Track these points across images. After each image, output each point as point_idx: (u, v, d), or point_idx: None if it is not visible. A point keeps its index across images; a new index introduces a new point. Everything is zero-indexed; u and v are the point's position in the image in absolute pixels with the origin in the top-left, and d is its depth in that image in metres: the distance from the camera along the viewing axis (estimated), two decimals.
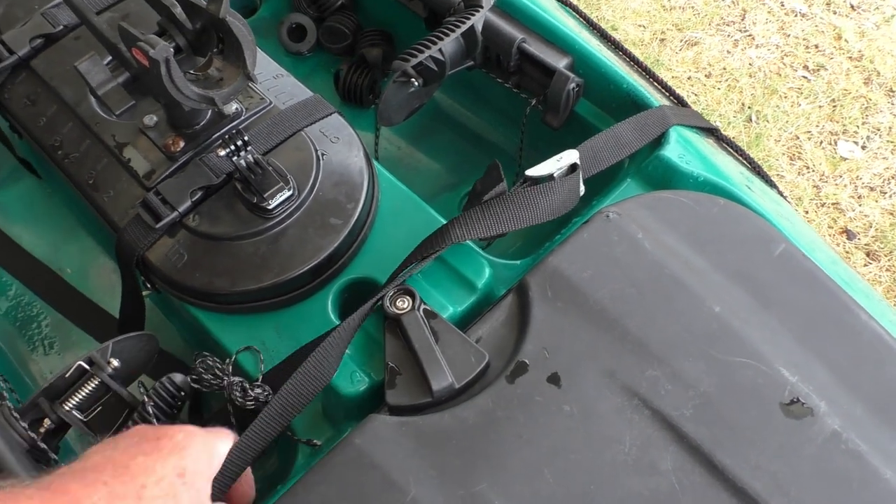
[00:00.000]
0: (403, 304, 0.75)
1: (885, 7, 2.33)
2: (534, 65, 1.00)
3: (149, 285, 0.88)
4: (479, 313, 0.78)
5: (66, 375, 0.73)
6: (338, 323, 0.78)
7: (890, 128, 2.10)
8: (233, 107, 0.88)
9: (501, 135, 1.18)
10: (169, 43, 0.77)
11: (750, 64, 2.23)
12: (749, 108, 2.15)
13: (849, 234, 1.94)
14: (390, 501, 0.64)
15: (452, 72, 1.00)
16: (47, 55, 0.96)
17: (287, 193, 0.81)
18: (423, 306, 0.75)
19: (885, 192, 2.00)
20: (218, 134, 0.87)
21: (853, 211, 1.97)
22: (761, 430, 0.67)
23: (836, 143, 2.08)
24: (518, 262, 0.86)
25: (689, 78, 2.21)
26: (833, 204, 1.98)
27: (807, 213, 1.97)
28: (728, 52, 2.26)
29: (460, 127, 1.22)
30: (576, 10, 1.13)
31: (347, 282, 0.84)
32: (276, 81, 0.93)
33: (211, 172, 0.83)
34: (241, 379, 0.75)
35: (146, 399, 0.73)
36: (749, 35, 2.29)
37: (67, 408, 0.72)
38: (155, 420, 0.72)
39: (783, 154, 2.07)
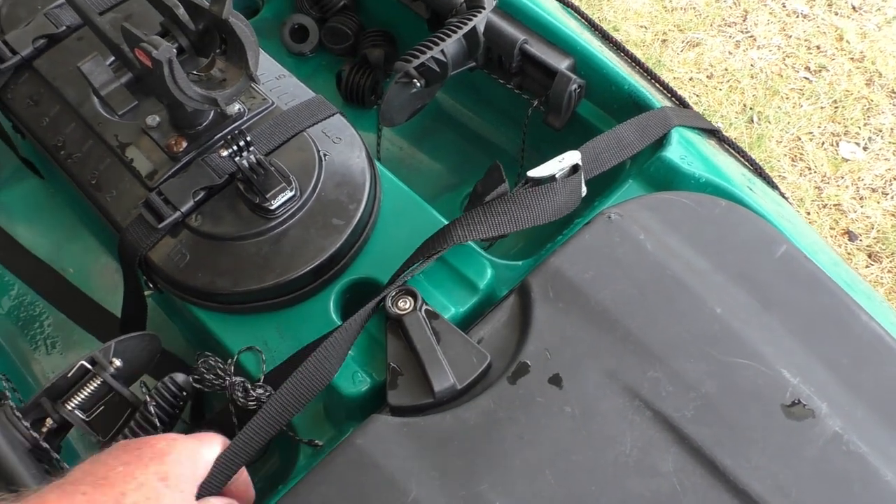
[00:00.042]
0: (405, 304, 0.75)
1: (887, 8, 2.33)
2: (535, 66, 1.00)
3: (151, 285, 0.88)
4: (480, 314, 0.78)
5: (69, 375, 0.73)
6: (339, 323, 0.78)
7: (892, 129, 2.10)
8: (235, 107, 0.89)
9: (503, 136, 1.18)
10: (172, 44, 0.77)
11: (751, 65, 2.23)
12: (751, 109, 2.15)
13: (850, 236, 1.94)
14: (392, 502, 0.64)
15: (454, 73, 1.00)
16: (50, 55, 0.96)
17: (289, 194, 0.81)
18: (424, 307, 0.75)
19: (887, 194, 2.00)
20: (220, 134, 0.88)
21: (855, 212, 1.97)
22: (762, 432, 0.67)
23: (837, 144, 2.08)
24: (520, 262, 0.86)
25: (690, 79, 2.22)
26: (835, 205, 1.99)
27: (808, 214, 1.97)
28: (730, 53, 2.26)
29: (462, 128, 1.22)
30: (577, 12, 1.13)
31: (349, 282, 0.84)
32: (278, 82, 0.94)
33: (213, 173, 0.83)
34: (242, 379, 0.75)
35: (148, 399, 0.73)
36: (751, 36, 2.29)
37: (70, 407, 0.72)
38: (157, 420, 0.72)
39: (785, 155, 2.07)
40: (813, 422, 0.67)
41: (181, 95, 0.77)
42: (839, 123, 2.11)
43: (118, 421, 0.74)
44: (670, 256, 0.76)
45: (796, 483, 0.65)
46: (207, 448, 0.65)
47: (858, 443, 0.67)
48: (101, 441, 0.74)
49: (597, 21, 1.13)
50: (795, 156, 2.07)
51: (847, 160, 2.05)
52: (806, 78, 2.20)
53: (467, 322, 0.78)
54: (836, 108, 2.14)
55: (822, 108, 2.14)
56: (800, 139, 2.09)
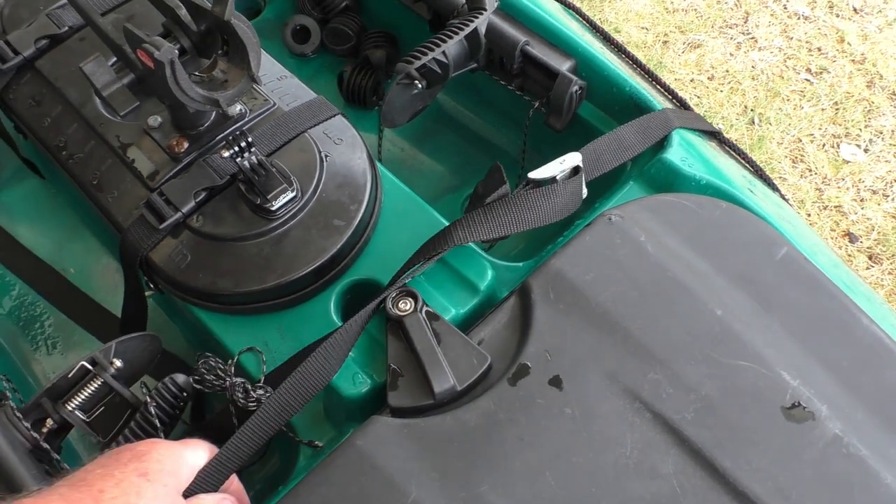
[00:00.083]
0: (406, 305, 0.75)
1: (888, 10, 2.33)
2: (537, 67, 1.00)
3: (152, 286, 0.88)
4: (481, 315, 0.78)
5: (69, 375, 0.73)
6: (340, 324, 0.78)
7: (892, 131, 2.10)
8: (237, 108, 0.89)
9: (504, 137, 1.18)
10: (174, 45, 0.77)
11: (753, 66, 2.23)
12: (752, 110, 2.15)
13: (851, 237, 1.94)
14: (392, 503, 0.64)
15: (456, 74, 1.00)
16: (52, 56, 0.96)
17: (290, 195, 0.81)
18: (425, 308, 0.75)
19: (888, 196, 2.00)
20: (222, 135, 0.88)
21: (855, 214, 1.97)
22: (762, 434, 0.67)
23: (838, 145, 2.08)
24: (520, 264, 0.86)
25: (691, 80, 2.22)
26: (835, 207, 1.98)
27: (809, 215, 1.97)
28: (731, 54, 2.26)
29: (463, 129, 1.22)
30: (579, 13, 1.14)
31: (350, 283, 0.84)
32: (279, 83, 0.94)
33: (215, 173, 0.83)
34: (243, 380, 0.75)
35: (148, 399, 0.73)
36: (752, 38, 2.29)
37: (70, 408, 0.72)
38: (157, 421, 0.72)
39: (785, 157, 2.07)
40: (813, 424, 0.67)
41: (183, 96, 0.77)
42: (840, 125, 2.11)
43: (118, 421, 0.75)
44: (671, 258, 0.76)
45: (796, 485, 0.65)
46: (191, 452, 0.64)
47: (858, 445, 0.67)
48: (101, 442, 0.74)
49: (598, 22, 1.13)
50: (796, 157, 2.07)
51: (848, 162, 2.05)
52: (807, 80, 2.20)
53: (468, 323, 0.79)
54: (837, 109, 2.14)
55: (823, 109, 2.14)
56: (801, 141, 2.09)
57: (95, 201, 0.89)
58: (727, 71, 2.23)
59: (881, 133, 2.10)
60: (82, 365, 0.73)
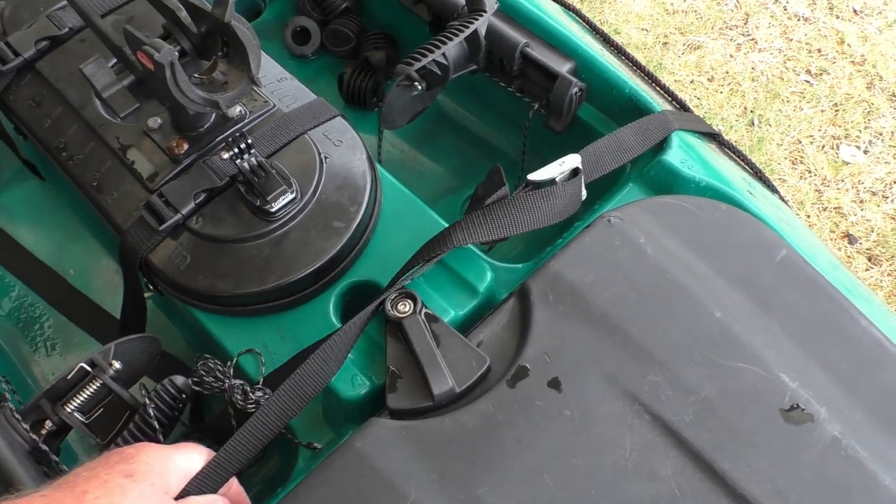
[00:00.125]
0: (405, 307, 0.75)
1: (888, 11, 2.33)
2: (537, 69, 1.00)
3: (151, 287, 0.88)
4: (480, 317, 0.78)
5: (68, 377, 0.73)
6: (339, 326, 0.78)
7: (892, 132, 2.10)
8: (237, 110, 0.89)
9: (504, 138, 1.18)
10: (174, 46, 0.77)
11: (752, 68, 2.23)
12: (751, 111, 2.15)
13: (850, 239, 1.94)
14: None
15: (456, 76, 1.00)
16: (52, 57, 0.96)
17: (290, 196, 0.81)
18: (424, 310, 0.75)
19: (887, 197, 2.00)
20: (222, 136, 0.88)
21: (855, 215, 1.97)
22: (761, 436, 0.67)
23: (838, 147, 2.09)
24: (520, 265, 0.86)
25: (691, 82, 2.22)
26: (835, 208, 1.99)
27: (808, 217, 1.97)
28: (731, 56, 2.26)
29: (463, 130, 1.22)
30: (578, 15, 1.14)
31: (349, 285, 0.84)
32: (279, 84, 0.94)
33: (214, 175, 0.83)
34: (242, 382, 0.75)
35: (147, 401, 0.73)
36: (752, 39, 2.29)
37: (69, 410, 0.72)
38: (156, 422, 0.72)
39: (785, 158, 2.07)
40: (812, 426, 0.67)
41: (183, 98, 0.77)
42: (840, 127, 2.11)
43: (117, 423, 0.75)
44: (670, 260, 0.76)
45: (795, 487, 0.65)
46: (182, 455, 0.64)
47: (857, 447, 0.67)
48: (100, 443, 0.74)
49: (598, 24, 1.13)
50: (796, 159, 2.07)
51: (847, 163, 2.05)
52: (807, 81, 2.20)
53: (467, 325, 0.79)
54: (837, 111, 2.14)
55: (822, 111, 2.14)
56: (800, 142, 2.09)
57: (95, 203, 0.89)
58: (727, 72, 2.23)
59: (881, 134, 2.10)
60: (81, 366, 0.73)
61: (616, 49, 1.08)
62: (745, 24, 2.33)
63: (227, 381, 0.75)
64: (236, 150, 0.80)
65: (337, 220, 0.83)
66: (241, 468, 0.67)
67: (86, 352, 0.88)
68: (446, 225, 0.83)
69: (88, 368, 0.73)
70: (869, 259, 1.91)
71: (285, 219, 0.82)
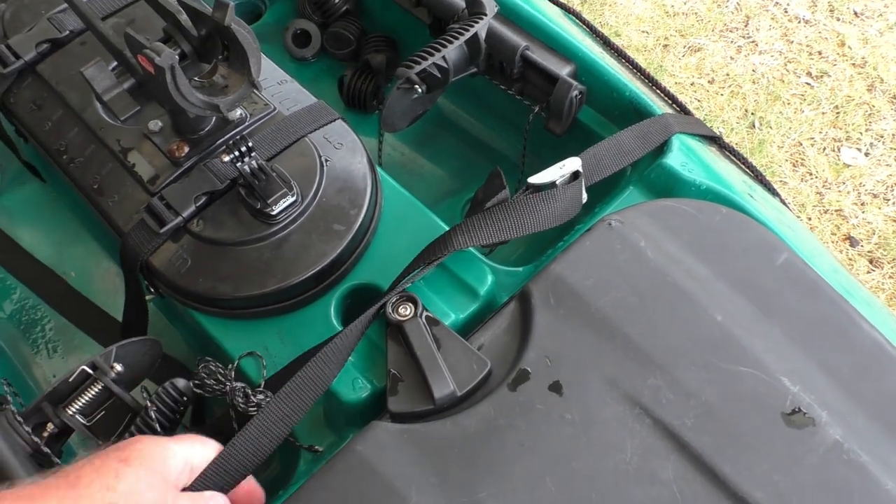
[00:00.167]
0: (406, 310, 0.75)
1: (889, 14, 2.33)
2: (537, 72, 1.00)
3: (152, 290, 0.88)
4: (481, 320, 0.78)
5: (70, 380, 0.73)
6: (340, 329, 0.78)
7: (893, 135, 2.10)
8: (237, 112, 0.89)
9: (504, 141, 1.19)
10: (174, 50, 0.78)
11: (753, 70, 2.23)
12: (752, 114, 2.15)
13: (852, 241, 1.94)
14: None
15: (456, 78, 1.00)
16: (53, 60, 0.96)
17: (290, 199, 0.81)
18: (425, 313, 0.75)
19: (889, 199, 2.00)
20: (222, 139, 0.88)
21: (856, 218, 1.97)
22: (763, 440, 0.67)
23: (839, 149, 2.08)
24: (520, 269, 0.86)
25: (692, 84, 2.22)
26: (836, 211, 1.98)
27: (810, 219, 1.97)
28: (731, 58, 2.26)
29: (463, 133, 1.22)
30: (579, 17, 1.14)
31: (350, 288, 0.84)
32: (280, 87, 0.94)
33: (215, 178, 0.83)
34: (243, 385, 0.75)
35: (149, 404, 0.73)
36: (752, 41, 2.29)
37: (70, 412, 0.73)
38: (157, 425, 0.72)
39: (786, 160, 2.07)
40: (813, 430, 0.67)
41: (183, 102, 0.77)
42: (841, 129, 2.11)
43: (119, 426, 0.75)
44: (671, 263, 0.76)
45: (796, 491, 0.65)
46: (181, 445, 0.64)
47: (859, 451, 0.66)
48: (102, 446, 0.74)
49: (598, 26, 1.13)
50: (797, 161, 2.07)
51: (848, 166, 2.05)
52: (808, 83, 2.20)
53: (468, 328, 0.79)
54: (838, 113, 2.14)
55: (823, 113, 2.14)
56: (801, 144, 2.09)
57: (96, 205, 0.89)
58: (728, 74, 2.23)
59: (882, 137, 2.10)
60: (83, 369, 0.73)
61: (616, 52, 1.08)
62: (746, 26, 2.33)
63: (228, 383, 0.75)
64: (237, 153, 0.80)
65: (338, 223, 0.83)
66: (246, 470, 0.67)
67: (87, 354, 0.88)
68: (447, 228, 0.83)
69: (90, 371, 0.73)
70: (870, 262, 1.91)
71: (286, 222, 0.82)
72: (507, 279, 0.85)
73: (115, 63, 0.89)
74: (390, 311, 0.75)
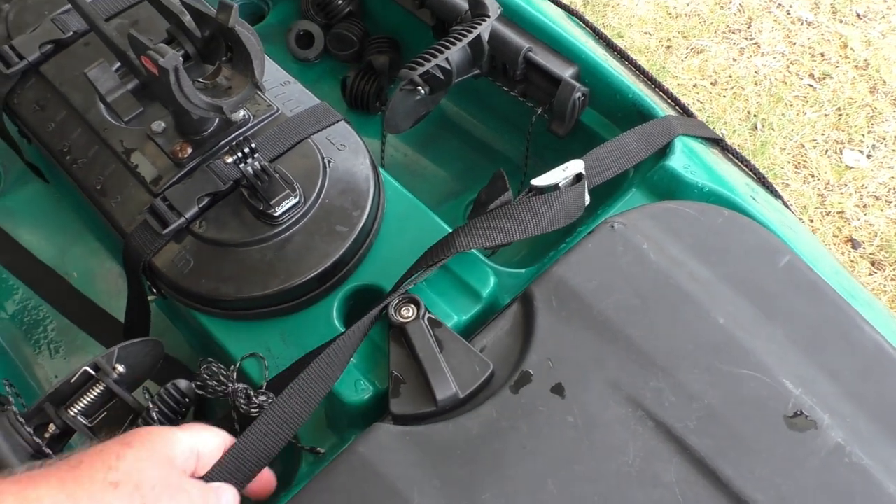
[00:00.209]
0: (408, 312, 0.75)
1: (892, 16, 2.33)
2: (540, 74, 1.00)
3: (155, 291, 0.88)
4: (483, 322, 0.78)
5: (72, 381, 0.73)
6: (342, 330, 0.78)
7: (895, 137, 2.10)
8: (240, 114, 0.89)
9: (507, 143, 1.19)
10: (178, 51, 0.78)
11: (756, 72, 2.23)
12: (755, 116, 2.15)
13: (854, 243, 1.94)
14: None
15: (459, 80, 1.00)
16: (57, 61, 0.96)
17: (293, 200, 0.81)
18: (427, 315, 0.75)
19: (891, 201, 1.99)
20: (225, 140, 0.88)
21: (858, 220, 1.97)
22: (765, 443, 0.67)
23: (841, 151, 2.08)
24: (523, 270, 0.86)
25: (694, 85, 2.22)
26: (838, 212, 1.98)
27: (812, 221, 1.97)
28: (734, 59, 2.26)
29: (466, 135, 1.22)
30: (582, 19, 1.14)
31: (353, 289, 0.84)
32: (283, 88, 0.94)
33: (218, 179, 0.83)
34: (245, 386, 0.75)
35: (151, 405, 0.73)
36: (755, 43, 2.29)
37: (72, 413, 0.72)
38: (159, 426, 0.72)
39: (788, 162, 2.07)
40: (815, 433, 0.67)
41: (187, 103, 0.77)
42: (843, 131, 2.11)
43: (121, 427, 0.75)
44: (673, 266, 0.76)
45: (798, 494, 0.65)
46: (186, 433, 0.63)
47: (861, 454, 0.66)
48: None
49: (601, 28, 1.13)
50: (799, 163, 2.07)
51: (851, 168, 2.05)
52: (810, 85, 2.20)
53: (470, 330, 0.79)
54: (840, 115, 2.14)
55: (825, 115, 2.14)
56: (803, 146, 2.09)
57: (99, 206, 0.89)
58: (730, 76, 2.23)
59: (884, 139, 2.10)
60: (85, 370, 0.73)
61: (619, 53, 1.08)
62: (749, 28, 2.33)
63: (230, 384, 0.75)
64: (240, 154, 0.80)
65: (340, 225, 0.83)
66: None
67: (89, 355, 0.88)
68: (450, 229, 0.83)
69: (92, 372, 0.73)
70: (872, 264, 1.91)
71: (289, 223, 0.82)
72: (509, 281, 0.85)
73: (118, 64, 0.89)
74: (393, 312, 0.75)
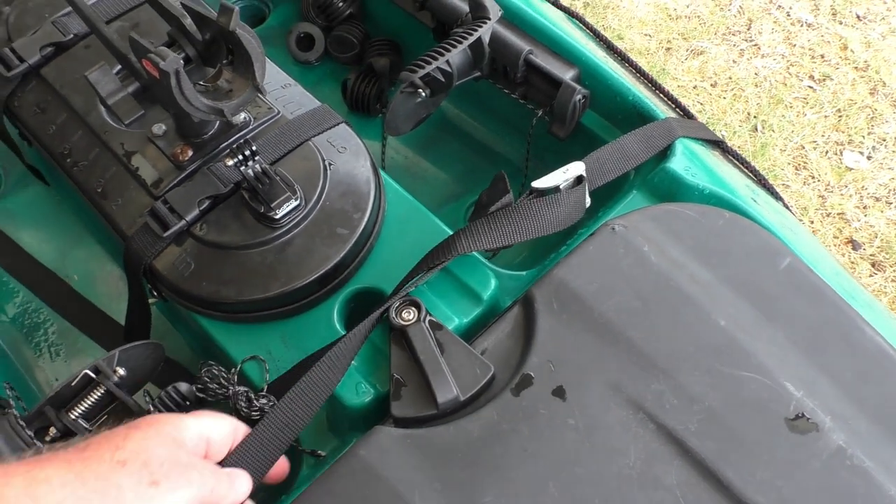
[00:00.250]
0: (409, 315, 0.75)
1: (892, 17, 2.33)
2: (540, 76, 1.00)
3: (155, 293, 0.88)
4: (484, 325, 0.78)
5: (72, 384, 0.73)
6: (343, 333, 0.78)
7: (895, 138, 2.10)
8: (241, 116, 0.89)
9: (508, 145, 1.19)
10: (179, 54, 0.78)
11: (756, 73, 2.23)
12: (755, 117, 2.15)
13: (854, 245, 1.94)
14: None
15: (459, 82, 1.00)
16: (57, 63, 0.96)
17: (294, 203, 0.81)
18: (428, 318, 0.75)
19: (891, 203, 1.99)
20: (226, 143, 0.88)
21: (858, 221, 1.97)
22: (766, 445, 0.67)
23: (841, 153, 2.08)
24: (524, 273, 0.86)
25: (694, 87, 2.22)
26: (838, 214, 1.98)
27: (812, 222, 1.97)
28: (734, 61, 2.26)
29: (467, 137, 1.22)
30: (582, 21, 1.14)
31: (353, 291, 0.84)
32: (284, 91, 0.94)
33: (219, 181, 0.83)
34: (246, 389, 0.75)
35: (151, 408, 0.73)
36: (755, 45, 2.29)
37: (73, 416, 0.72)
38: None
39: (789, 164, 2.07)
40: (816, 435, 0.67)
41: (188, 106, 0.77)
42: (843, 132, 2.11)
43: None
44: (674, 268, 0.76)
45: (800, 497, 0.65)
46: (194, 419, 0.63)
47: (862, 457, 0.66)
48: None
49: (601, 30, 1.13)
50: (799, 164, 2.07)
51: (851, 169, 2.05)
52: (810, 87, 2.20)
53: (471, 333, 0.79)
54: (840, 116, 2.14)
55: (826, 116, 2.14)
56: (804, 148, 2.09)
57: (100, 209, 0.89)
58: (730, 78, 2.23)
59: (884, 140, 2.10)
60: (85, 373, 0.73)
61: (619, 55, 1.08)
62: (749, 29, 2.33)
63: (231, 387, 0.75)
64: (240, 156, 0.80)
65: (341, 227, 0.83)
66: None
67: (90, 357, 0.88)
68: (450, 232, 0.83)
69: (93, 375, 0.73)
70: (872, 265, 1.91)
71: (289, 225, 0.82)
72: (510, 283, 0.85)
73: (119, 67, 0.89)
74: (394, 315, 0.75)
